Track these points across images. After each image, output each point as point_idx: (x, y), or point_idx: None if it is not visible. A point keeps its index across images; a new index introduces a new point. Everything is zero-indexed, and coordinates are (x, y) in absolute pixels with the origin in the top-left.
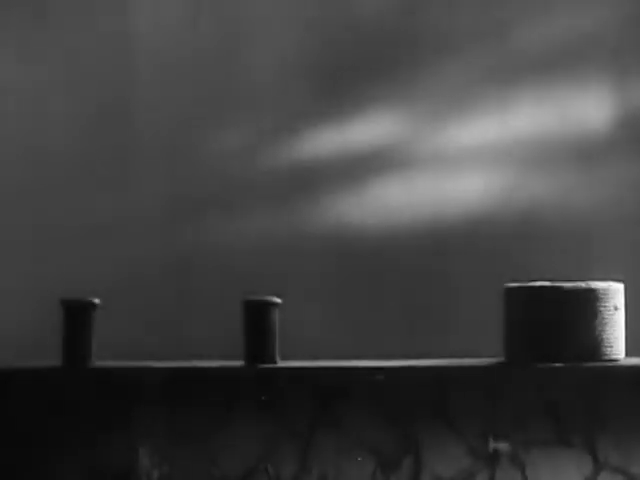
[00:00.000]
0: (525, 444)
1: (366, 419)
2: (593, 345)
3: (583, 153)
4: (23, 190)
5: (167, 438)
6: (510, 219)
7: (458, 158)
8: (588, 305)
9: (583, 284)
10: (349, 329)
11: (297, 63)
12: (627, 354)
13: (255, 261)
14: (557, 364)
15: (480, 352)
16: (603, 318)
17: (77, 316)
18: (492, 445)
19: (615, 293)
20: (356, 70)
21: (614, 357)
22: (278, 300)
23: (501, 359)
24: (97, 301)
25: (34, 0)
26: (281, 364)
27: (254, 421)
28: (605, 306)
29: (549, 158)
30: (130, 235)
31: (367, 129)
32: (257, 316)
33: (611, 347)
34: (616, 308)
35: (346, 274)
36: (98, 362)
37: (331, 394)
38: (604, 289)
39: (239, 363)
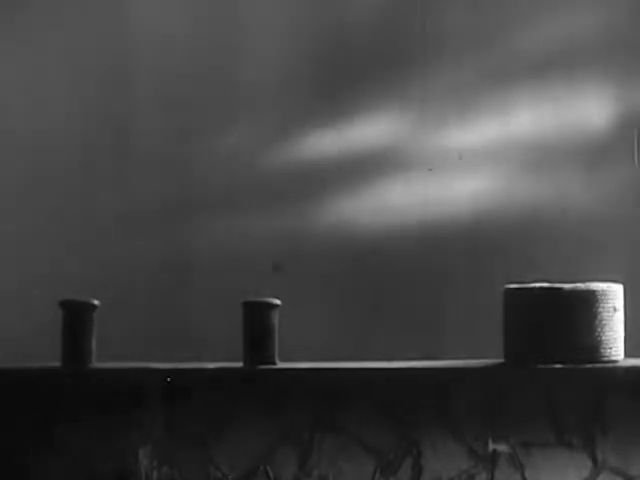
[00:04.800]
0: (525, 445)
1: (366, 420)
2: (592, 346)
3: (583, 153)
4: (22, 190)
5: (167, 439)
6: (510, 220)
7: (458, 159)
8: (587, 306)
9: (582, 285)
10: (349, 330)
11: (297, 64)
12: (626, 355)
13: (255, 261)
14: (556, 365)
15: (480, 353)
16: (602, 319)
17: (77, 316)
18: (492, 446)
19: (614, 294)
20: (356, 71)
21: (613, 358)
22: (277, 301)
23: (501, 360)
24: (97, 302)
25: (33, 2)
26: (281, 365)
27: (254, 422)
28: (604, 307)
29: (549, 158)
30: (130, 235)
31: (367, 130)
32: (257, 317)
33: (610, 348)
34: (615, 309)
35: (346, 275)
36: (98, 362)
37: (331, 395)
38: (603, 290)
39: (239, 364)
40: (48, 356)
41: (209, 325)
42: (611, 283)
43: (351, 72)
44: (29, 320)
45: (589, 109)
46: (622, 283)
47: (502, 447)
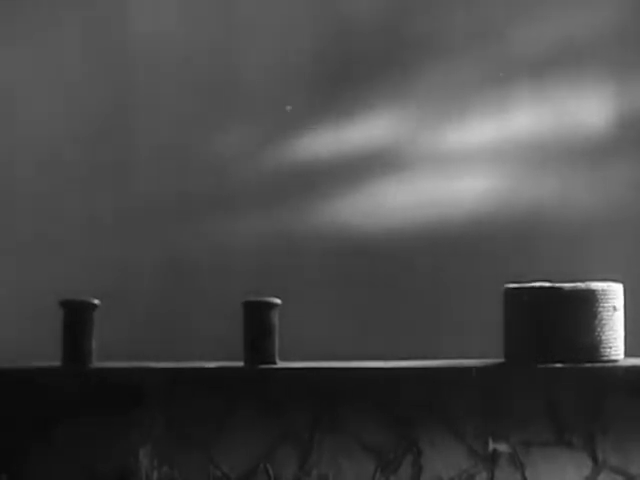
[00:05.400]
0: (525, 445)
1: (366, 420)
2: (592, 346)
3: (583, 153)
4: (23, 191)
5: (167, 439)
6: (510, 220)
7: (458, 159)
8: (587, 306)
9: (582, 285)
10: (349, 329)
11: (296, 64)
12: (626, 355)
13: (255, 261)
14: (556, 365)
15: (480, 352)
16: (602, 319)
17: (77, 316)
18: (492, 446)
19: (614, 294)
20: (355, 71)
21: (613, 358)
22: (278, 301)
23: (501, 360)
24: (97, 301)
25: (33, 3)
26: (281, 364)
27: (254, 421)
28: (604, 307)
29: (549, 158)
30: (130, 235)
31: (366, 130)
32: (257, 317)
33: (610, 348)
34: (615, 309)
35: (346, 274)
36: (98, 362)
37: (331, 394)
38: (603, 290)
39: (239, 364)
40: (48, 356)
41: (209, 325)
42: (611, 283)
43: (351, 72)
44: (29, 320)
45: (589, 109)
46: (622, 283)
47: (502, 447)
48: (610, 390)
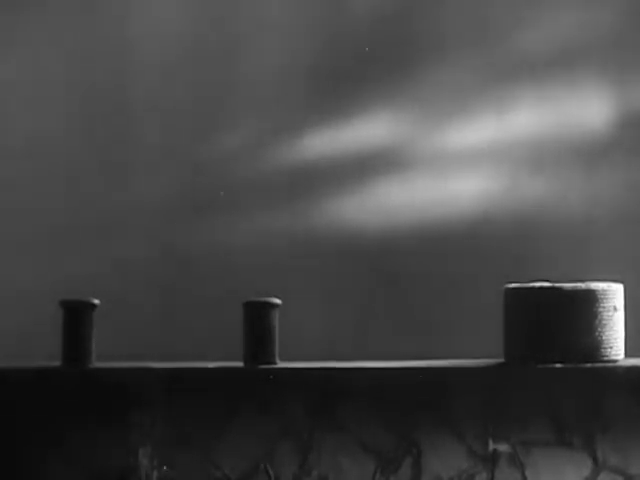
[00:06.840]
0: (525, 445)
1: (366, 420)
2: (592, 346)
3: (582, 153)
4: (22, 190)
5: (167, 439)
6: (510, 220)
7: (457, 158)
8: (587, 306)
9: (582, 285)
10: (349, 329)
11: (297, 63)
12: (627, 355)
13: (255, 261)
14: (556, 365)
15: (480, 353)
16: (602, 319)
17: (77, 316)
18: (492, 446)
19: (615, 294)
20: (355, 70)
21: (613, 358)
22: (278, 301)
23: (501, 360)
24: (97, 301)
25: (34, 1)
26: (281, 364)
27: (254, 422)
28: (604, 307)
29: (548, 158)
30: (130, 235)
31: (367, 129)
32: (257, 317)
33: (610, 348)
34: (615, 309)
35: (346, 274)
36: (98, 362)
37: (331, 395)
38: (603, 290)
39: (239, 364)
40: (48, 356)
41: (209, 325)
42: (611, 283)
43: (351, 71)
44: (29, 320)
45: (589, 109)
46: (622, 282)
47: (502, 447)
48: (610, 390)
